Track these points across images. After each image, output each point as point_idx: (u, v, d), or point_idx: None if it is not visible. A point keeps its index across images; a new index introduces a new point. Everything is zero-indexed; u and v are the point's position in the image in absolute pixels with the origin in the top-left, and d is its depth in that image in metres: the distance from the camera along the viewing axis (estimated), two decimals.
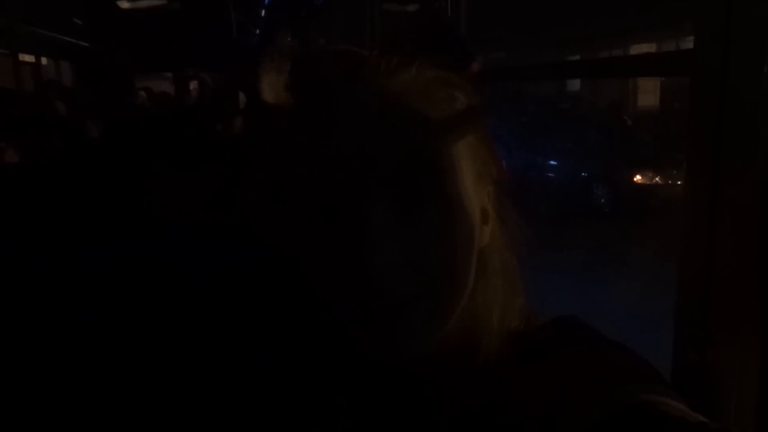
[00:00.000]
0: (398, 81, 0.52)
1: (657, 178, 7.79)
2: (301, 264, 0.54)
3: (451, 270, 0.51)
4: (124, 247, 0.94)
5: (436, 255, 0.50)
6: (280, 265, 0.58)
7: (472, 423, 0.54)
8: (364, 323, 0.50)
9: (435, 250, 0.50)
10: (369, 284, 0.48)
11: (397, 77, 0.52)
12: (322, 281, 0.52)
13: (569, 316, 0.61)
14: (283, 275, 0.58)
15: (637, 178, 7.92)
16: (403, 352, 0.51)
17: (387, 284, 0.48)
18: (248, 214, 0.64)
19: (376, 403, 0.57)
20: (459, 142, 0.53)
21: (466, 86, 0.56)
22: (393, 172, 0.49)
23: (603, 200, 8.06)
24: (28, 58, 10.17)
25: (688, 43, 0.64)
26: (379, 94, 0.51)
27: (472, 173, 0.54)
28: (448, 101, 0.54)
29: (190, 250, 0.92)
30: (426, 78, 0.53)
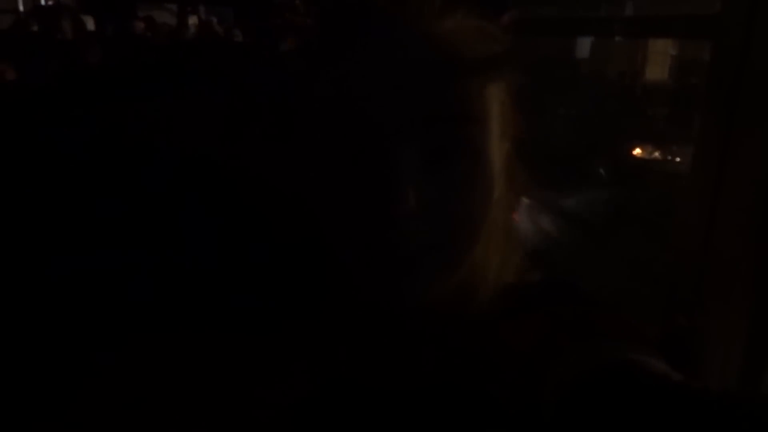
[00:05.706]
0: (442, 25, 0.50)
1: (656, 153, 7.76)
2: (314, 202, 0.53)
3: (468, 223, 0.51)
4: (116, 174, 0.93)
5: (455, 207, 0.50)
6: (285, 201, 0.57)
7: (457, 368, 0.54)
8: (373, 268, 0.50)
9: (455, 203, 0.50)
10: (386, 230, 0.48)
11: (441, 21, 0.50)
12: (336, 222, 0.51)
13: (561, 275, 0.61)
14: (288, 212, 0.57)
15: (637, 151, 7.88)
16: (407, 299, 0.51)
17: (404, 232, 0.48)
18: (255, 148, 0.62)
19: (364, 343, 0.58)
20: (492, 97, 0.52)
21: (505, 39, 0.54)
22: (425, 119, 0.48)
23: (600, 170, 8.04)
24: None
25: None
26: (422, 36, 0.49)
27: (498, 129, 0.54)
28: (486, 53, 0.52)
29: (186, 182, 0.91)
30: (468, 26, 0.51)
